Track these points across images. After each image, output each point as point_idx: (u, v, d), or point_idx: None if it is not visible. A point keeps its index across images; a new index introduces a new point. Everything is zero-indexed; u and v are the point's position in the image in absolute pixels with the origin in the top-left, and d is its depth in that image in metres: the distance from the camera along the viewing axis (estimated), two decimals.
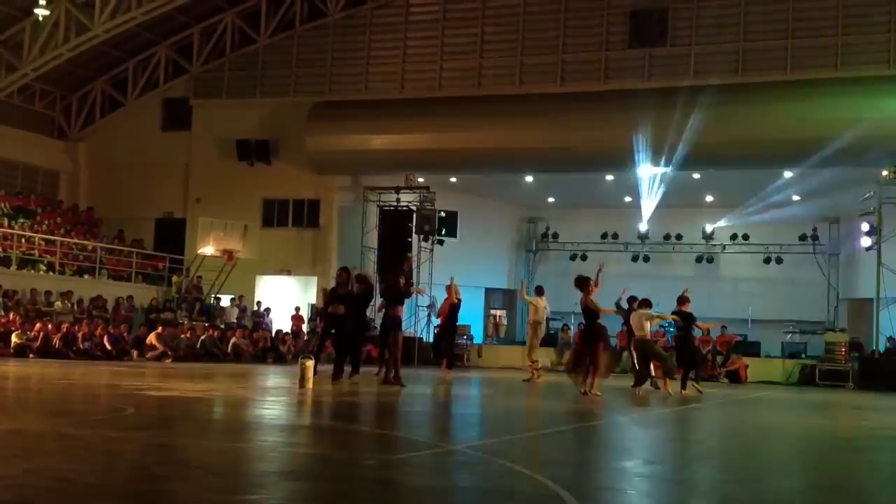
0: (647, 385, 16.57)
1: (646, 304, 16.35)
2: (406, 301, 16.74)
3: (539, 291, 19.29)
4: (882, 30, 23.30)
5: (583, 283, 14.74)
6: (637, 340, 16.27)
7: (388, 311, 15.41)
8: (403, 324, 16.60)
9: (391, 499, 5.37)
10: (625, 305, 17.41)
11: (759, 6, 24.49)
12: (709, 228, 29.21)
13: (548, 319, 19.66)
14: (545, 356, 26.47)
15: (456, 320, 19.59)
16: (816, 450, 9.18)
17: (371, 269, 25.33)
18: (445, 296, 19.44)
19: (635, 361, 16.87)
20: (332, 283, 18.36)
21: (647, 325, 16.15)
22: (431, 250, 27.05)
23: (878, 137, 22.22)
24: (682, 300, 16.53)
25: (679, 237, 30.02)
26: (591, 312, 14.72)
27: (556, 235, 31.56)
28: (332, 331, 16.06)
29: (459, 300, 19.01)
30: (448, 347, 19.93)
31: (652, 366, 16.85)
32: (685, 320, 16.40)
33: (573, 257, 30.97)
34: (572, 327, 27.10)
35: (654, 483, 6.45)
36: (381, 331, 15.82)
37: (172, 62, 29.79)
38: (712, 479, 6.78)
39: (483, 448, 7.62)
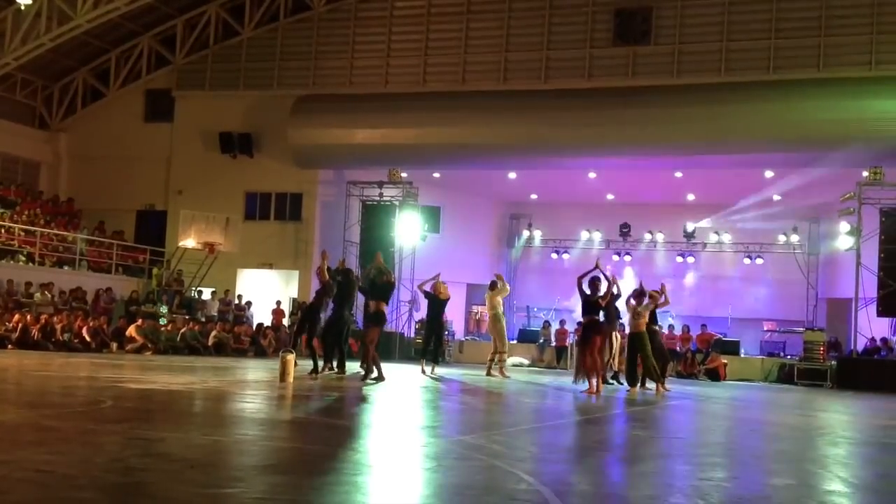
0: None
1: (641, 295, 16.43)
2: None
3: (492, 286, 19.20)
4: (864, 31, 23.44)
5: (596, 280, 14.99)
6: (631, 334, 16.31)
7: (378, 307, 15.43)
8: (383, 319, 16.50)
9: (369, 493, 5.38)
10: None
11: (742, 6, 24.59)
12: (690, 227, 29.34)
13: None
14: (526, 352, 26.64)
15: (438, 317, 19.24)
16: (794, 446, 9.24)
17: (354, 263, 25.30)
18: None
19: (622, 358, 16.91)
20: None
21: (644, 315, 16.13)
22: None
23: (858, 138, 22.38)
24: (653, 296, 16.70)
25: (661, 235, 30.15)
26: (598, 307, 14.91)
27: (538, 231, 31.64)
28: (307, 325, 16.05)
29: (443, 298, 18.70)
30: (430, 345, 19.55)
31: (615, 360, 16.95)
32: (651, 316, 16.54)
33: (555, 253, 31.21)
34: (554, 324, 27.19)
35: (633, 479, 6.48)
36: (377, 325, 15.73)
37: (155, 53, 29.63)
38: (691, 475, 6.81)
39: (463, 443, 7.64)
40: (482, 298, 31.81)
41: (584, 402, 13.21)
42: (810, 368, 22.90)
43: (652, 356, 15.96)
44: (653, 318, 16.59)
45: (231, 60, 28.68)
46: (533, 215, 31.83)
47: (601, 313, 15.14)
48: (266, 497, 5.06)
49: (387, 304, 15.95)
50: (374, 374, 15.12)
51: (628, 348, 16.55)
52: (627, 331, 17.28)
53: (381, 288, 15.67)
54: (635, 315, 16.15)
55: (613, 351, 17.23)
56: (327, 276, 15.65)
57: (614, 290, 15.98)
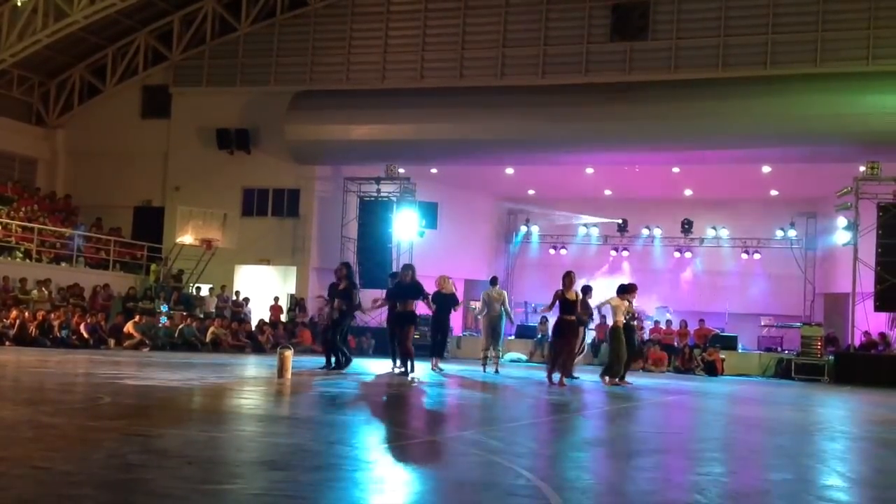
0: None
1: (626, 290, 16.67)
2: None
3: (493, 282, 19.35)
4: (861, 26, 23.46)
5: (568, 278, 15.19)
6: (610, 328, 16.62)
7: (406, 307, 15.89)
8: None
9: (368, 489, 5.38)
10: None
11: (740, 1, 24.59)
12: (687, 222, 29.33)
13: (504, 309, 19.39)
14: (524, 348, 26.63)
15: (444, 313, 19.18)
16: (792, 441, 9.25)
17: (352, 259, 25.29)
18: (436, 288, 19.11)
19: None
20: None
21: (620, 312, 16.35)
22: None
23: (855, 133, 22.41)
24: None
25: (658, 230, 30.15)
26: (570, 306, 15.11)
27: (536, 227, 31.65)
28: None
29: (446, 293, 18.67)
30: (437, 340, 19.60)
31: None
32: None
33: (553, 249, 31.25)
34: (552, 319, 27.18)
35: (631, 474, 6.49)
36: (400, 324, 16.04)
37: (152, 49, 29.59)
38: (689, 470, 6.82)
39: (462, 439, 7.64)
40: (480, 294, 31.95)
41: (582, 397, 13.22)
42: (808, 363, 22.91)
43: (620, 353, 16.16)
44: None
45: (228, 56, 28.64)
46: (531, 211, 31.82)
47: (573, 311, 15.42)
48: (265, 493, 5.06)
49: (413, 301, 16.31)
50: (399, 366, 15.91)
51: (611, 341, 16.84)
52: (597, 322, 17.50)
53: (410, 289, 15.98)
54: (614, 312, 16.44)
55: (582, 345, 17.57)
56: (358, 299, 16.14)
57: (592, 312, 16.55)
